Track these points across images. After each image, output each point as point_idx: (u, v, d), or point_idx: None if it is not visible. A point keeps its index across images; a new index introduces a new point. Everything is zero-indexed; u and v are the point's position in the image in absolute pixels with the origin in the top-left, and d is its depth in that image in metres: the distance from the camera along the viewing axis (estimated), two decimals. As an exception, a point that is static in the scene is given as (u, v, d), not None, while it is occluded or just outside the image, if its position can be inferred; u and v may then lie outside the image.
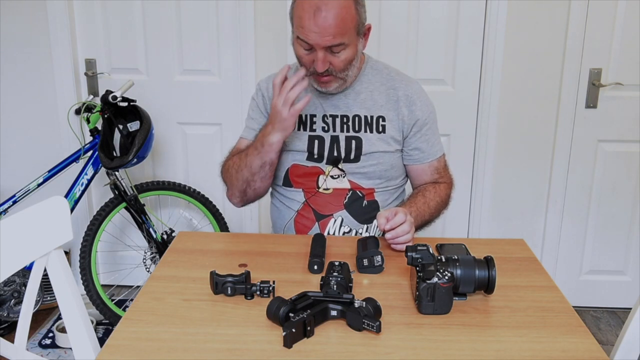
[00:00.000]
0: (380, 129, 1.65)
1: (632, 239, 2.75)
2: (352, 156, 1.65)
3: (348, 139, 1.65)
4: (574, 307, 1.25)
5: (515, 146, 2.68)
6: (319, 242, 1.48)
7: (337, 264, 1.30)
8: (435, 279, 1.18)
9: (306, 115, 1.67)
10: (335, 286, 1.21)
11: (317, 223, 1.68)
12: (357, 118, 1.65)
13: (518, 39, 2.55)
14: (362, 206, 1.68)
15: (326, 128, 1.66)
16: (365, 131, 1.65)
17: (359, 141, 1.65)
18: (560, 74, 2.58)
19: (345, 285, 1.23)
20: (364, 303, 1.15)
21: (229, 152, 1.75)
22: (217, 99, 2.73)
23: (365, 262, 1.38)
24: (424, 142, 1.68)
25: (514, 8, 2.51)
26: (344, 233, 1.68)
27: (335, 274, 1.25)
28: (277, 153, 1.60)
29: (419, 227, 1.65)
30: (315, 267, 1.37)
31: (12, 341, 1.15)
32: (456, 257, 1.22)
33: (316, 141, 1.66)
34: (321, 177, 1.67)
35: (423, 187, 1.72)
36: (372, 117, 1.65)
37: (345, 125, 1.65)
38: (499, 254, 1.49)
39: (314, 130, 1.66)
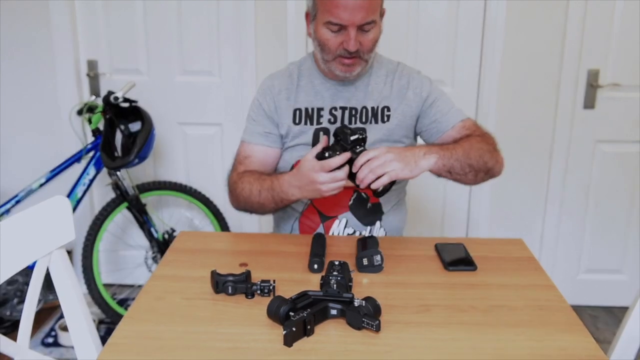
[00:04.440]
0: (385, 119, 1.65)
1: (630, 238, 2.76)
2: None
3: None
4: (571, 305, 1.25)
5: (514, 146, 2.68)
6: (319, 242, 1.48)
7: (337, 263, 1.31)
8: None
9: (312, 109, 1.66)
10: (335, 285, 1.21)
11: (321, 224, 1.68)
12: (364, 110, 1.65)
13: (517, 39, 2.56)
14: (367, 208, 1.68)
15: (332, 120, 1.65)
16: (371, 122, 1.65)
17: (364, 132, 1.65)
18: (559, 74, 2.58)
19: (345, 285, 1.23)
20: (364, 302, 1.15)
21: (234, 160, 1.71)
22: (218, 99, 2.74)
23: (365, 261, 1.38)
24: (437, 112, 1.66)
25: (512, 8, 2.52)
26: (348, 234, 1.68)
27: (335, 273, 1.26)
28: (291, 203, 1.60)
29: (454, 168, 1.50)
30: (316, 266, 1.38)
31: (15, 340, 1.16)
32: None
33: (321, 133, 1.64)
34: None
35: (460, 137, 1.62)
36: (377, 107, 1.65)
37: (353, 118, 1.65)
38: (497, 253, 1.51)
39: (321, 124, 1.65)
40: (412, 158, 1.43)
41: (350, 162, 1.42)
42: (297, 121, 1.65)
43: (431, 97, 1.67)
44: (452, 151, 1.50)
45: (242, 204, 1.64)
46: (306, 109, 1.66)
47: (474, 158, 1.52)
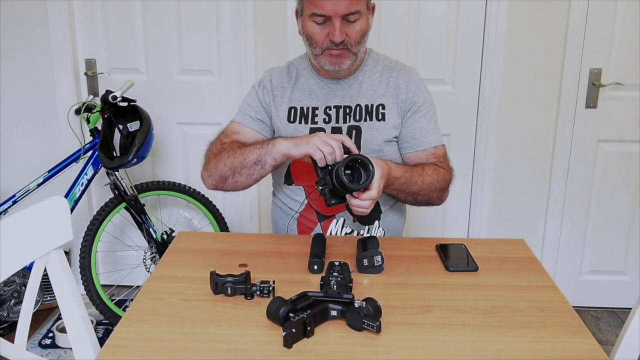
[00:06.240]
0: (380, 117, 1.65)
1: (632, 239, 2.75)
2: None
3: (349, 129, 1.65)
4: (574, 307, 1.25)
5: (516, 146, 2.68)
6: (319, 242, 1.48)
7: (337, 264, 1.30)
8: None
9: (307, 108, 1.67)
10: (335, 286, 1.21)
11: (319, 224, 1.68)
12: (358, 107, 1.66)
13: (518, 38, 2.55)
14: None
15: (327, 119, 1.66)
16: (365, 120, 1.65)
17: (358, 130, 1.64)
18: (560, 73, 2.58)
19: (345, 285, 1.23)
20: (364, 303, 1.15)
21: (218, 134, 1.70)
22: (217, 98, 2.73)
23: (365, 262, 1.38)
24: (417, 128, 1.66)
25: (514, 8, 2.51)
26: (345, 234, 1.68)
27: (335, 274, 1.26)
28: (271, 165, 1.52)
29: (400, 193, 1.59)
30: (315, 267, 1.37)
31: (12, 341, 1.15)
32: None
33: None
34: None
35: (424, 164, 1.65)
36: (372, 105, 1.65)
37: (347, 116, 1.65)
38: (499, 253, 1.50)
39: (315, 123, 1.66)
40: (386, 184, 1.48)
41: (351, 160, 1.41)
42: (291, 119, 1.67)
43: (419, 108, 1.66)
44: (412, 173, 1.57)
45: (219, 166, 1.57)
46: (301, 108, 1.67)
47: (424, 192, 1.60)
